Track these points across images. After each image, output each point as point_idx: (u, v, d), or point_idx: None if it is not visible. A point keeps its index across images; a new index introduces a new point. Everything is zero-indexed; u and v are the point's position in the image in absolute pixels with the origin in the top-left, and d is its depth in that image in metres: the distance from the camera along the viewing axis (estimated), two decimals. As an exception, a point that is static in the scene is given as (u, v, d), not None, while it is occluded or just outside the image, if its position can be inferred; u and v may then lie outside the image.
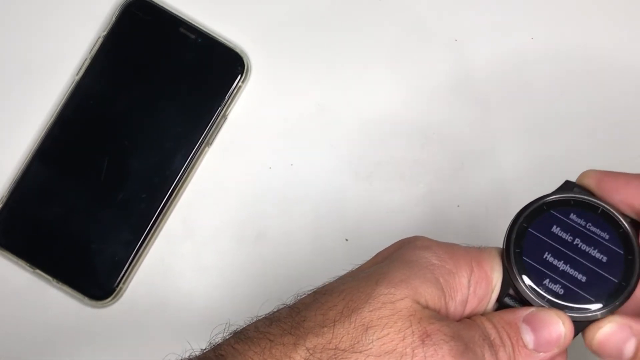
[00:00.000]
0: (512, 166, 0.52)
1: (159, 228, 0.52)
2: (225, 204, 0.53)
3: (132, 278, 0.52)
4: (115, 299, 0.51)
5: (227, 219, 0.52)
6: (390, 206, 0.52)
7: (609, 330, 0.36)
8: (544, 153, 0.52)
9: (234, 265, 0.52)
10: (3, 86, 0.54)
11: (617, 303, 0.37)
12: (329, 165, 0.53)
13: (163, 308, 0.52)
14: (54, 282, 0.51)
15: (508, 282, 0.38)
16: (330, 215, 0.52)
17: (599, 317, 0.37)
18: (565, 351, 0.38)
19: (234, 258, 0.52)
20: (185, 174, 0.52)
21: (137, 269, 0.52)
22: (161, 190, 0.52)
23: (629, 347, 0.36)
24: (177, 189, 0.52)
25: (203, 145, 0.52)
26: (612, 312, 0.37)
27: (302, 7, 0.54)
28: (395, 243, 0.40)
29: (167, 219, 0.52)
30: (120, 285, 0.51)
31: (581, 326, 0.37)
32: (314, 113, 0.53)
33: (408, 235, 0.40)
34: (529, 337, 0.37)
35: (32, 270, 0.52)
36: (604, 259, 0.37)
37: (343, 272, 0.39)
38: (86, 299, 0.51)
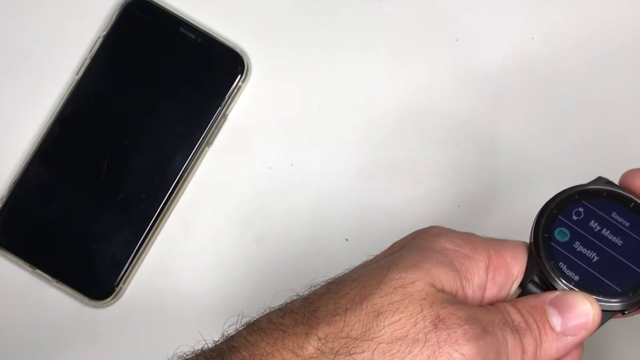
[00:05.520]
0: (513, 166, 0.52)
1: (159, 228, 0.52)
2: (225, 204, 0.53)
3: (132, 278, 0.52)
4: (115, 299, 0.51)
5: (227, 219, 0.52)
6: (391, 206, 0.52)
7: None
8: (544, 153, 0.52)
9: (234, 265, 0.52)
10: (2, 86, 0.54)
11: None
12: (329, 165, 0.53)
13: (163, 308, 0.52)
14: (54, 282, 0.51)
15: (533, 266, 0.37)
16: (330, 215, 0.52)
17: (624, 308, 0.36)
18: (581, 344, 0.37)
19: (233, 258, 0.52)
20: (185, 174, 0.52)
21: (137, 269, 0.52)
22: (161, 190, 0.52)
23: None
24: (177, 189, 0.52)
25: (203, 145, 0.52)
26: (636, 304, 0.36)
27: (302, 6, 0.54)
28: (411, 233, 0.39)
29: (167, 219, 0.52)
30: (120, 285, 0.51)
31: (604, 317, 0.36)
32: (314, 113, 0.53)
33: (408, 234, 0.40)
34: (556, 320, 0.35)
35: (32, 270, 0.52)
36: (632, 253, 0.37)
37: (344, 271, 0.39)
38: (86, 299, 0.51)
